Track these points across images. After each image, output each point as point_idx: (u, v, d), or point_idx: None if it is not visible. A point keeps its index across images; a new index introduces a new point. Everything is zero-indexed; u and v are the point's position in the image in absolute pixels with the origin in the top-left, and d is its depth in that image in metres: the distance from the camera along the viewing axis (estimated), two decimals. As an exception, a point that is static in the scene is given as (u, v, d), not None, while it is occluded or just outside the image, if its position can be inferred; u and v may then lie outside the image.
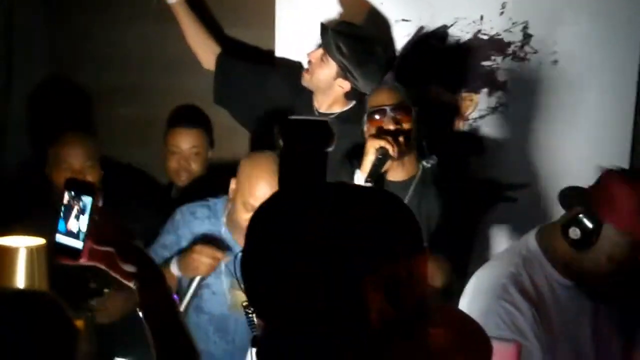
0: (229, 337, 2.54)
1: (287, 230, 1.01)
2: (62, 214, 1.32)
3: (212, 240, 2.56)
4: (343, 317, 0.97)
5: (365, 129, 2.56)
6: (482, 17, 2.88)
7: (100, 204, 1.31)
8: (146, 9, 3.09)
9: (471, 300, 1.86)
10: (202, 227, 2.59)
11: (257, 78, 2.96)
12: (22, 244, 2.24)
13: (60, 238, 1.31)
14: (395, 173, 2.58)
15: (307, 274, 0.98)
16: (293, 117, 1.36)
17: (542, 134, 2.90)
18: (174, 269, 2.50)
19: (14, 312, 1.30)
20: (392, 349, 0.99)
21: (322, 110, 2.83)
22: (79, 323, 2.30)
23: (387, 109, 2.53)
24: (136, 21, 3.25)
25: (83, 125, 3.09)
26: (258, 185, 2.42)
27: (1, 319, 1.29)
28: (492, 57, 2.90)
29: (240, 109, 3.05)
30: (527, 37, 2.86)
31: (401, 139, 2.49)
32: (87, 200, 1.30)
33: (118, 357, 2.44)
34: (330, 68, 2.74)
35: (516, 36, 2.87)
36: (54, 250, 1.32)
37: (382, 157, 2.43)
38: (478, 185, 2.87)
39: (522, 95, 2.90)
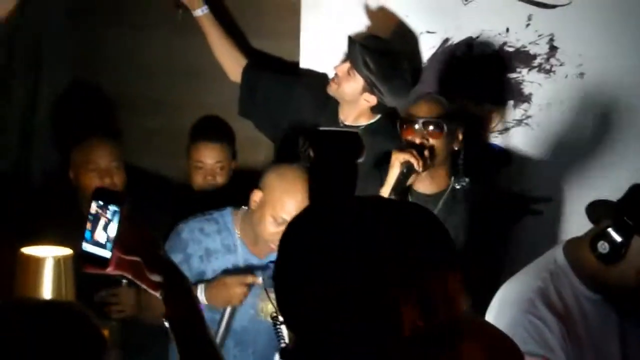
0: (249, 350, 2.55)
1: (321, 242, 1.02)
2: (89, 223, 1.32)
3: (235, 270, 2.57)
4: (374, 330, 0.98)
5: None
6: (507, 29, 2.89)
7: (127, 213, 1.31)
8: (171, 20, 3.12)
9: (498, 313, 1.86)
10: (215, 242, 2.60)
11: (283, 90, 2.98)
12: (49, 254, 2.26)
13: (87, 247, 1.32)
14: (424, 185, 2.60)
15: (339, 286, 0.99)
16: (322, 128, 1.37)
17: (568, 146, 2.89)
18: (201, 297, 2.49)
19: (42, 324, 1.30)
20: None
21: (347, 123, 2.85)
22: (105, 332, 2.35)
23: (419, 121, 2.55)
24: (160, 31, 3.29)
25: (107, 131, 3.13)
26: (291, 200, 2.44)
27: (29, 330, 1.28)
28: (518, 70, 2.90)
29: (265, 120, 3.07)
30: (553, 49, 2.86)
31: (426, 153, 2.52)
32: (115, 209, 1.30)
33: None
34: (357, 82, 2.76)
35: (542, 48, 2.87)
36: (81, 259, 1.32)
37: (407, 171, 2.46)
38: (505, 198, 2.87)
39: (548, 107, 2.90)
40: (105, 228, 1.30)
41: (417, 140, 2.54)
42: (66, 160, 3.00)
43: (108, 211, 1.30)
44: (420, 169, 2.48)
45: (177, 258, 2.56)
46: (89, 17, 3.39)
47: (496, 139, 2.97)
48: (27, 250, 2.27)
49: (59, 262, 2.25)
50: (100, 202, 1.31)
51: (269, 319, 2.40)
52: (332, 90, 2.82)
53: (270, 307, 2.41)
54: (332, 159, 1.30)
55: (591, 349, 1.82)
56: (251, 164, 3.23)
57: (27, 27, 3.21)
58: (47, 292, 2.21)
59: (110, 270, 1.31)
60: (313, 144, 1.30)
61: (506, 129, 2.95)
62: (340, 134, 1.35)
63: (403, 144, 2.54)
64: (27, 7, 3.16)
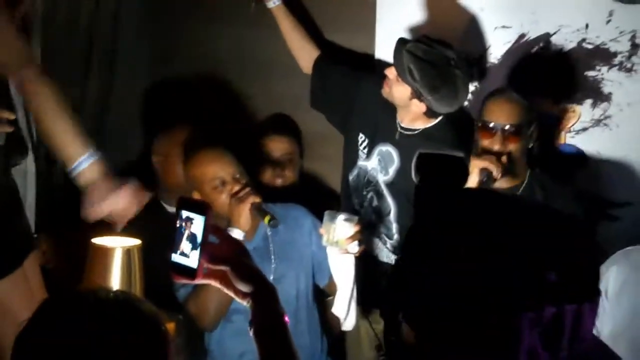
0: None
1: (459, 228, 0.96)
2: (177, 234, 1.40)
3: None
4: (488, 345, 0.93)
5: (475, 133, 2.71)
6: (587, 26, 2.92)
7: (213, 222, 1.41)
8: (244, 12, 3.25)
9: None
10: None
11: (350, 84, 3.09)
12: (118, 244, 2.43)
13: (176, 258, 1.40)
14: (500, 181, 2.66)
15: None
16: (427, 151, 1.40)
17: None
18: None
19: (99, 316, 1.36)
20: None
21: (404, 125, 2.93)
22: (171, 325, 2.50)
23: (499, 127, 2.65)
24: (233, 24, 3.43)
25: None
26: (213, 162, 2.69)
27: (86, 323, 1.34)
28: (597, 68, 2.93)
29: (334, 113, 3.19)
30: (634, 47, 2.88)
31: (504, 159, 2.64)
32: (200, 219, 1.37)
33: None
34: (405, 88, 2.81)
35: (623, 46, 2.89)
36: (170, 270, 1.41)
37: (487, 179, 2.54)
38: (584, 199, 2.89)
39: (629, 108, 2.91)
40: (189, 238, 1.39)
41: (496, 147, 2.65)
42: (148, 152, 3.22)
43: (193, 221, 1.39)
44: (499, 176, 2.59)
45: None
46: (162, 11, 3.56)
47: (573, 140, 3.00)
48: (97, 240, 2.44)
49: (128, 252, 2.41)
50: (185, 212, 1.39)
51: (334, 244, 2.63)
52: (384, 93, 2.90)
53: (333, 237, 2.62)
54: (436, 183, 1.34)
55: None
56: (320, 161, 3.35)
57: (103, 21, 3.40)
58: (115, 282, 2.37)
59: (198, 280, 1.41)
60: (416, 166, 1.33)
61: (584, 129, 2.98)
62: (445, 158, 1.41)
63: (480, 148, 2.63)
64: (103, 1, 3.35)
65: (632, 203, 2.91)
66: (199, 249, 1.38)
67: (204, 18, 3.50)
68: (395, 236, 2.99)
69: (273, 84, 3.44)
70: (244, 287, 1.41)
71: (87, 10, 3.30)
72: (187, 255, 1.39)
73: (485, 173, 2.56)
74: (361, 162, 3.04)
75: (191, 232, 1.38)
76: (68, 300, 1.39)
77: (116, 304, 1.38)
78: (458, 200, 1.05)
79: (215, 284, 1.43)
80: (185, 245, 1.39)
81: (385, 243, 3.03)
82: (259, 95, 3.47)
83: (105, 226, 2.51)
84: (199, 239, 1.38)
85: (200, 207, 1.39)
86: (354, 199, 3.09)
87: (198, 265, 1.38)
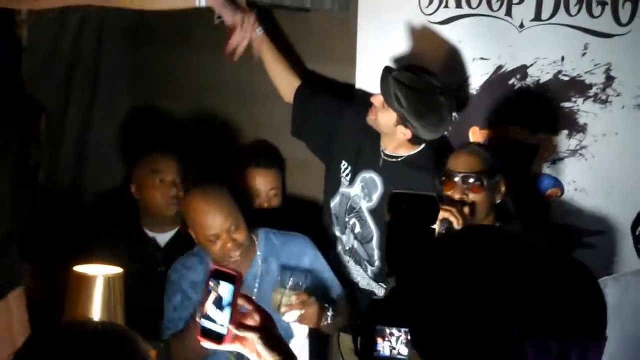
0: None
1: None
2: (207, 300, 1.49)
3: None
4: None
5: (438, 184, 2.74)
6: (563, 58, 2.99)
7: (242, 290, 1.49)
8: (224, 41, 3.30)
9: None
10: (198, 274, 2.81)
11: (332, 112, 3.14)
12: (100, 272, 2.45)
13: (205, 323, 1.49)
14: None
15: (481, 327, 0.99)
16: (398, 190, 1.49)
17: (623, 179, 2.96)
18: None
19: (91, 350, 1.39)
20: None
21: (388, 152, 2.99)
22: (153, 354, 2.52)
23: (458, 177, 2.69)
24: (215, 53, 3.47)
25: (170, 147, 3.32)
26: (208, 215, 2.67)
27: (78, 357, 1.38)
28: (573, 99, 2.99)
29: (315, 142, 3.23)
30: (609, 79, 2.94)
31: (466, 209, 2.65)
32: (230, 288, 1.47)
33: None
34: (391, 115, 2.87)
35: (598, 78, 2.96)
36: (200, 333, 1.49)
37: (446, 230, 2.56)
38: (555, 231, 2.95)
39: (604, 139, 2.97)
40: (220, 306, 1.48)
41: (457, 196, 2.67)
42: (128, 178, 3.26)
43: (220, 287, 1.48)
44: (459, 227, 2.60)
45: (178, 299, 2.78)
46: (144, 39, 3.61)
47: (549, 170, 3.06)
48: (79, 268, 2.47)
49: (109, 280, 2.43)
50: (216, 281, 1.48)
51: (278, 310, 2.65)
52: (370, 120, 2.95)
53: (282, 298, 2.67)
54: (407, 222, 1.42)
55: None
56: (301, 186, 3.40)
57: (85, 50, 3.45)
58: (97, 310, 2.40)
59: (225, 345, 1.50)
60: (389, 206, 1.42)
61: (560, 160, 3.04)
62: (416, 197, 1.48)
63: (444, 199, 2.66)
64: (85, 30, 3.39)
65: (605, 232, 2.97)
66: (228, 316, 1.47)
67: (185, 46, 3.55)
68: (377, 263, 3.03)
69: (253, 112, 3.49)
70: (268, 356, 1.49)
71: (70, 38, 3.35)
72: (214, 321, 1.48)
73: (445, 224, 2.56)
74: (344, 189, 3.09)
75: (219, 296, 1.47)
76: (55, 333, 1.43)
77: (103, 336, 1.42)
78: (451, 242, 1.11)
79: (241, 349, 1.51)
80: (215, 312, 1.48)
81: (366, 270, 3.06)
82: (240, 124, 3.52)
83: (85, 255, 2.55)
84: (226, 304, 1.47)
85: (231, 277, 1.48)
86: (335, 226, 3.13)
87: (227, 332, 1.47)
